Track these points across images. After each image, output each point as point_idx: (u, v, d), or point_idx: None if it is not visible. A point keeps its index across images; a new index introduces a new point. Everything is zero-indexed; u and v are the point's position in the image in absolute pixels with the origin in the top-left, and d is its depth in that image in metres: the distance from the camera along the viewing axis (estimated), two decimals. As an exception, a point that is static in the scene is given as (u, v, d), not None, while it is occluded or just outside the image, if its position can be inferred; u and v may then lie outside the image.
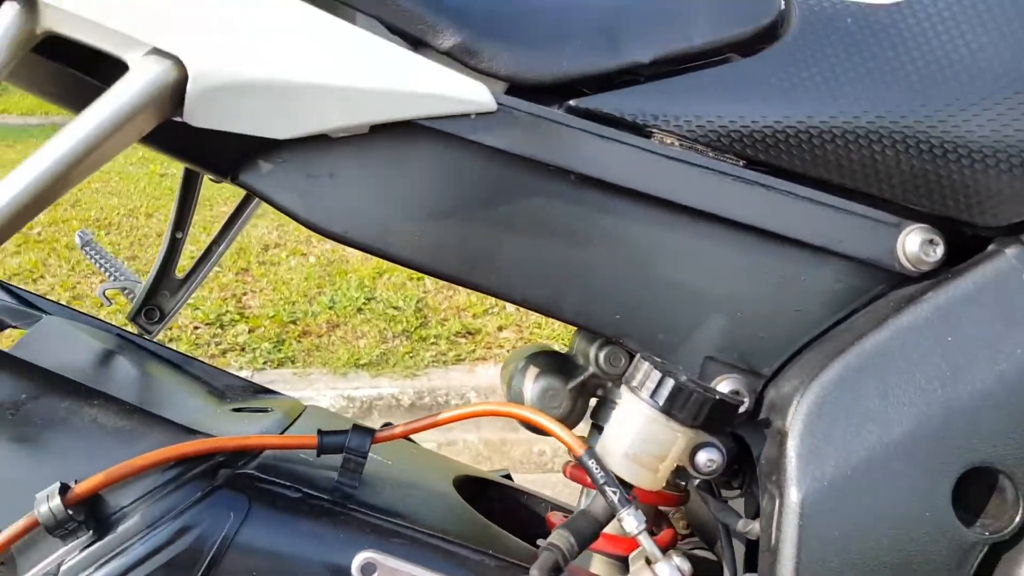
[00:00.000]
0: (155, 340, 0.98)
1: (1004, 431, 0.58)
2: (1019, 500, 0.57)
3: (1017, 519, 0.57)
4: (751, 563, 0.67)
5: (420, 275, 3.18)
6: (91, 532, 0.61)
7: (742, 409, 0.64)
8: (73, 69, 0.57)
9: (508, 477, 0.95)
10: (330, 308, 2.96)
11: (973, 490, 0.58)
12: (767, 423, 0.63)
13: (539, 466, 2.33)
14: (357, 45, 0.54)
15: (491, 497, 0.85)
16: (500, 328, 2.93)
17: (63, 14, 0.50)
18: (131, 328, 1.00)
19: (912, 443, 0.58)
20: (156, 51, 0.51)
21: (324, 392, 2.51)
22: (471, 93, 0.56)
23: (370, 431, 0.69)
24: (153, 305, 1.02)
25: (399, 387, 2.57)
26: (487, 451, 2.37)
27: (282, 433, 0.75)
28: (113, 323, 0.97)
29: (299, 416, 0.85)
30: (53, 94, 0.65)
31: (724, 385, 0.65)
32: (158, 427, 0.67)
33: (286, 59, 0.53)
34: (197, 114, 0.53)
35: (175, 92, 0.52)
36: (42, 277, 3.09)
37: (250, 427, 0.75)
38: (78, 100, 0.55)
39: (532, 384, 0.75)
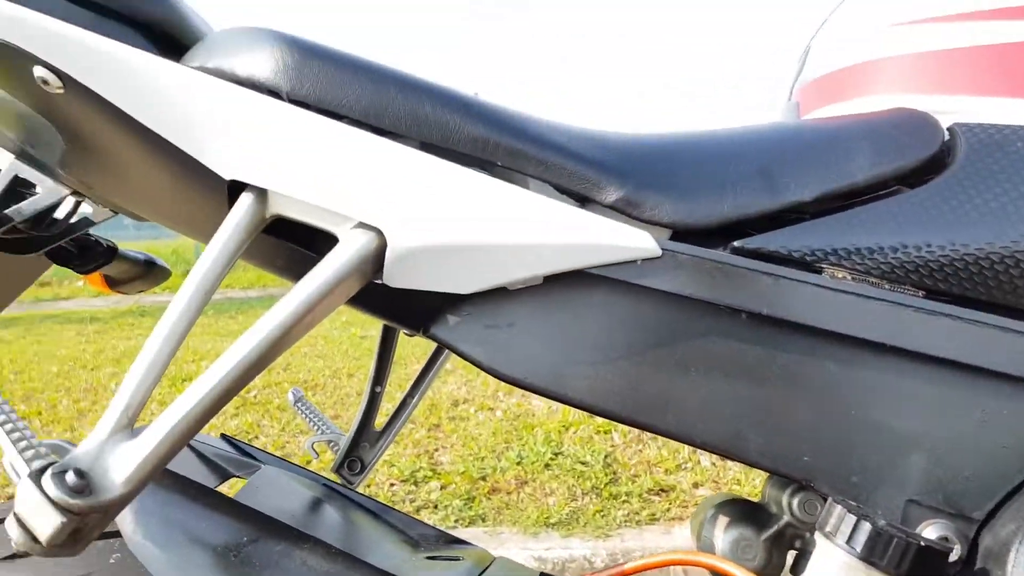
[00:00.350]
0: (357, 490, 1.05)
1: None
2: None
3: None
4: None
5: (607, 428, 3.16)
6: None
7: (953, 557, 0.58)
8: (292, 244, 0.67)
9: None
10: (518, 464, 2.98)
11: None
12: (984, 573, 0.57)
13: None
14: (531, 206, 0.60)
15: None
16: (696, 485, 2.82)
17: (287, 199, 0.60)
18: (336, 479, 1.08)
19: None
20: (361, 224, 0.59)
21: (515, 552, 2.49)
22: (636, 241, 0.60)
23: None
24: (355, 457, 1.10)
25: (591, 548, 2.51)
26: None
27: None
28: (321, 474, 1.05)
29: (489, 566, 0.87)
30: (276, 266, 0.76)
31: (930, 531, 0.60)
32: (360, 571, 0.71)
33: (471, 224, 0.60)
34: (395, 276, 0.60)
35: (377, 258, 0.60)
36: (256, 437, 3.37)
37: (443, 573, 0.78)
38: (296, 270, 0.64)
39: (723, 534, 0.72)
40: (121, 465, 0.53)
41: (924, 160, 0.62)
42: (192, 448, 0.91)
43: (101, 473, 0.53)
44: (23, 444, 0.55)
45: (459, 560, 0.87)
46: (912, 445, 0.61)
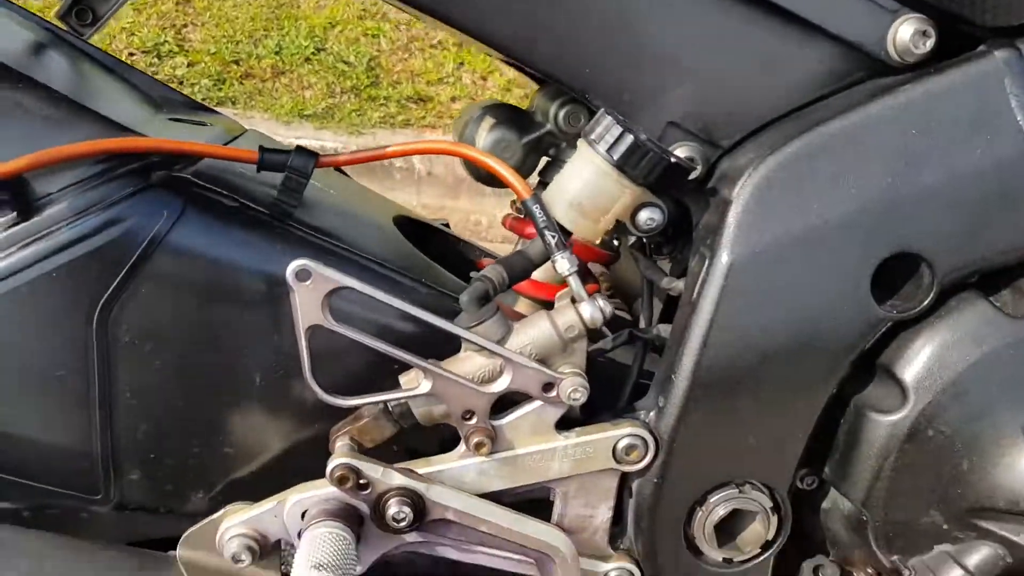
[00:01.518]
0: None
1: (938, 223, 0.59)
2: (933, 286, 0.60)
3: (926, 302, 0.60)
4: (666, 317, 0.71)
5: (375, 31, 3.01)
6: (15, 214, 0.59)
7: (693, 175, 0.64)
8: None
9: (446, 226, 0.96)
10: (276, 53, 2.80)
11: (892, 273, 0.60)
12: (714, 192, 0.63)
13: (475, 234, 2.36)
14: None
15: (428, 240, 0.86)
16: (453, 99, 2.84)
17: None
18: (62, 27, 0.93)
19: (849, 225, 0.59)
20: None
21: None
22: None
23: (314, 154, 0.67)
24: (85, 6, 0.94)
25: (343, 142, 2.52)
26: (426, 214, 2.37)
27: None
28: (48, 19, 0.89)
29: (240, 135, 0.82)
30: None
31: (681, 151, 0.65)
32: (90, 120, 0.64)
33: None
34: None
35: None
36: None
37: (188, 136, 0.72)
38: None
39: (487, 133, 0.74)
40: None
41: None
42: None
43: None
44: None
45: (206, 126, 0.81)
46: (690, 73, 0.64)
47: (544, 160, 0.77)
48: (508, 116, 0.75)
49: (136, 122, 0.70)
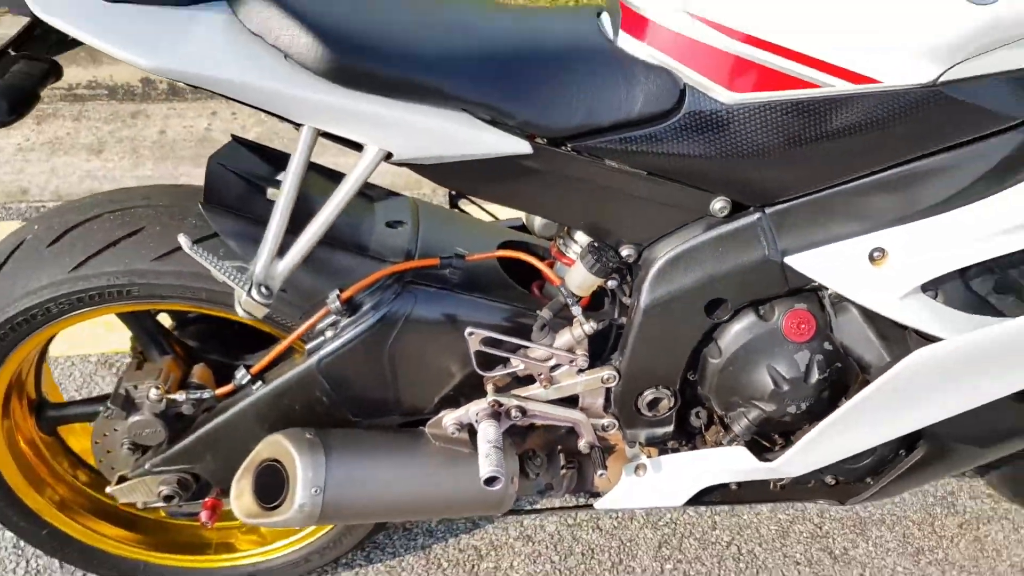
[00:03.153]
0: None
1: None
2: None
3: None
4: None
5: None
6: (346, 310, 1.42)
7: (631, 260, 1.44)
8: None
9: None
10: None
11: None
12: (639, 268, 1.44)
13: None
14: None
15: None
16: None
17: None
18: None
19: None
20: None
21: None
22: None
23: (462, 256, 1.48)
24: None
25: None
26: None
27: (416, 238, 1.52)
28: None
29: (419, 213, 1.59)
30: None
31: (624, 250, 1.44)
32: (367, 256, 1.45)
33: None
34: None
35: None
36: None
37: (401, 242, 1.51)
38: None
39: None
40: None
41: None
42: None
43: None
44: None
45: (404, 223, 1.59)
46: (626, 221, 1.41)
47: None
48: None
49: (379, 241, 1.49)
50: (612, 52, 1.27)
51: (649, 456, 1.59)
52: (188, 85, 1.14)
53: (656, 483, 1.61)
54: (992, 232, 1.25)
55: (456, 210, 1.74)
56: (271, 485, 1.40)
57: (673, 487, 1.62)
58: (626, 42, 1.28)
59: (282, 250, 1.25)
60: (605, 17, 1.35)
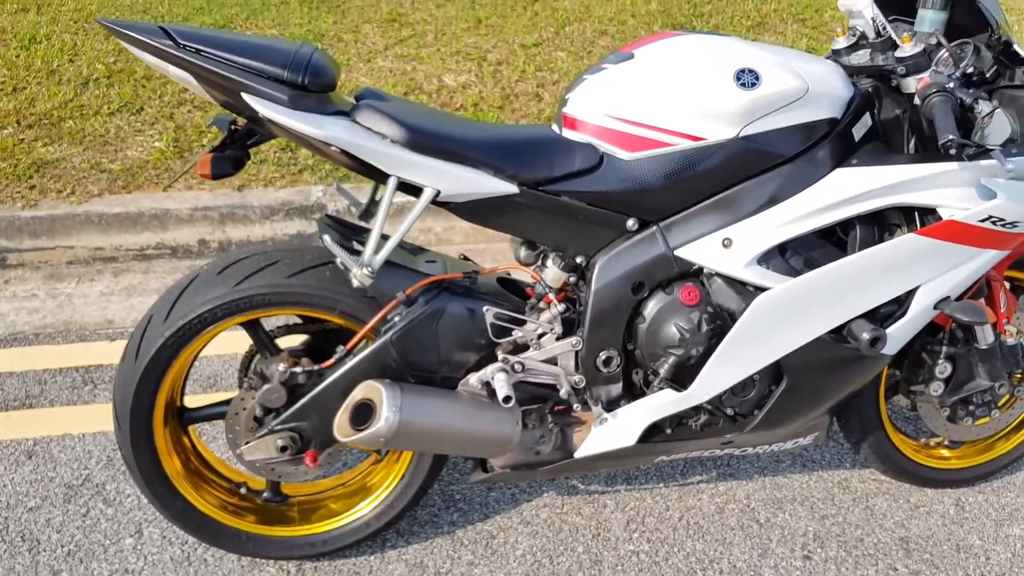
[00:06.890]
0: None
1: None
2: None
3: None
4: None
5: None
6: (409, 306, 2.26)
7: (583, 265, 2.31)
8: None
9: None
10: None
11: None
12: (586, 269, 2.31)
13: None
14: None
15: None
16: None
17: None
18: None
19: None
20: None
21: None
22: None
23: (477, 272, 2.34)
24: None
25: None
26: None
27: (445, 267, 2.38)
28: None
29: (444, 258, 2.47)
30: None
31: (578, 259, 2.32)
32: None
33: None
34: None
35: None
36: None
37: (437, 268, 2.36)
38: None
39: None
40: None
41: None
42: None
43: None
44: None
45: (436, 261, 2.46)
46: (580, 239, 2.30)
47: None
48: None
49: (423, 265, 2.36)
50: (560, 138, 2.24)
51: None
52: (317, 146, 2.05)
53: (615, 428, 2.38)
54: (789, 222, 2.17)
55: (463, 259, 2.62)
56: (362, 418, 2.15)
57: (626, 429, 2.38)
58: (568, 133, 2.25)
59: (377, 249, 2.11)
60: (554, 125, 2.33)
